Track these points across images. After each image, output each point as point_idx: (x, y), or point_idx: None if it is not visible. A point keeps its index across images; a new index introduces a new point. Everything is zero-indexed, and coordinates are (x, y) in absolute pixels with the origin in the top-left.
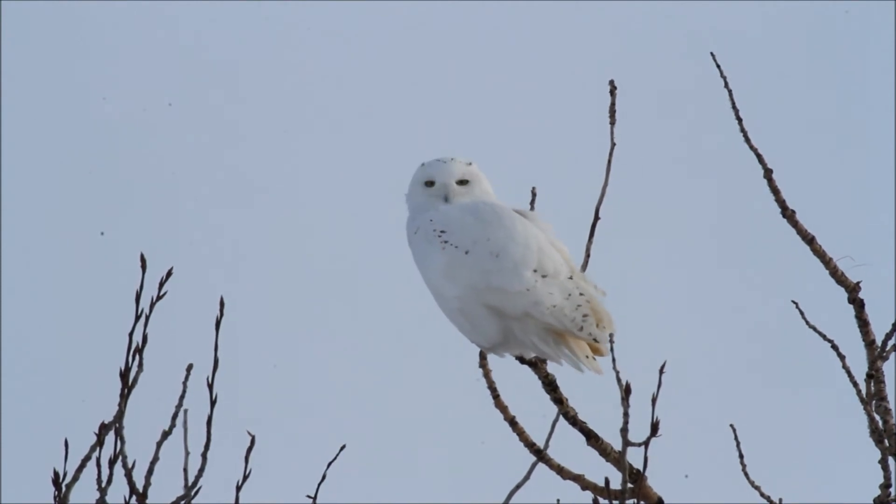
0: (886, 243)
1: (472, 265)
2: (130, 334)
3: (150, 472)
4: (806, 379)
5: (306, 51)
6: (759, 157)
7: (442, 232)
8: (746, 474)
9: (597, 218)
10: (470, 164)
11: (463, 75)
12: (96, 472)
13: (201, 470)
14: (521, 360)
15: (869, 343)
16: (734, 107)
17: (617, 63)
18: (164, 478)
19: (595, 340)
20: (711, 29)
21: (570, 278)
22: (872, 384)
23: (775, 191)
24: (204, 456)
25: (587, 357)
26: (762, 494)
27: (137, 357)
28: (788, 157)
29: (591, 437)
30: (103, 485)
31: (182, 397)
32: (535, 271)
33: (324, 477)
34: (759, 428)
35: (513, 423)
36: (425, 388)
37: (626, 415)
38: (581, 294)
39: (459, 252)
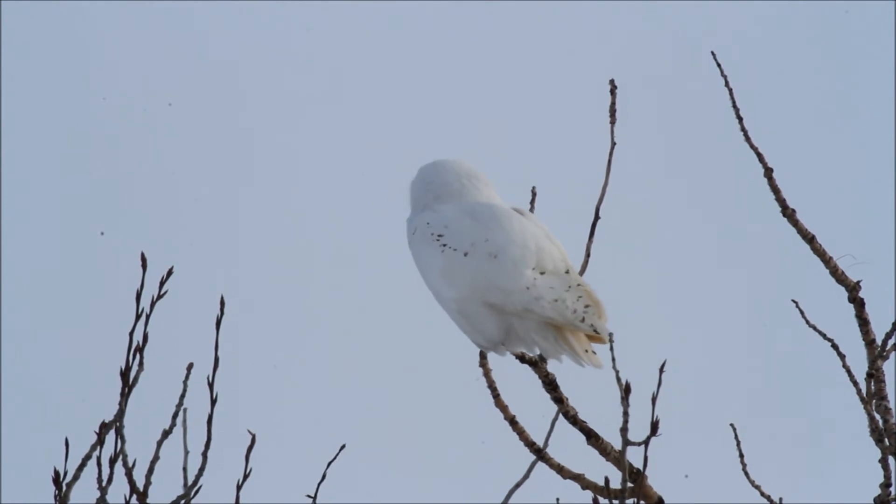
0: (886, 243)
1: (471, 267)
2: (131, 333)
3: (150, 471)
4: (806, 378)
5: (307, 51)
6: (759, 156)
7: (440, 235)
8: (747, 474)
9: (597, 217)
10: (470, 164)
11: (463, 75)
12: (97, 471)
13: (201, 469)
14: (521, 359)
15: (869, 342)
16: (734, 106)
17: (617, 63)
18: (165, 477)
19: (595, 332)
20: (711, 29)
21: (567, 272)
22: (872, 383)
23: (775, 190)
24: (204, 455)
25: (586, 351)
26: (762, 494)
27: (138, 356)
28: (788, 156)
29: (592, 437)
30: (104, 484)
31: (182, 396)
32: (533, 269)
33: (324, 477)
34: (759, 428)
35: (513, 422)
36: (425, 387)
37: (625, 414)
38: (579, 285)
39: (458, 254)
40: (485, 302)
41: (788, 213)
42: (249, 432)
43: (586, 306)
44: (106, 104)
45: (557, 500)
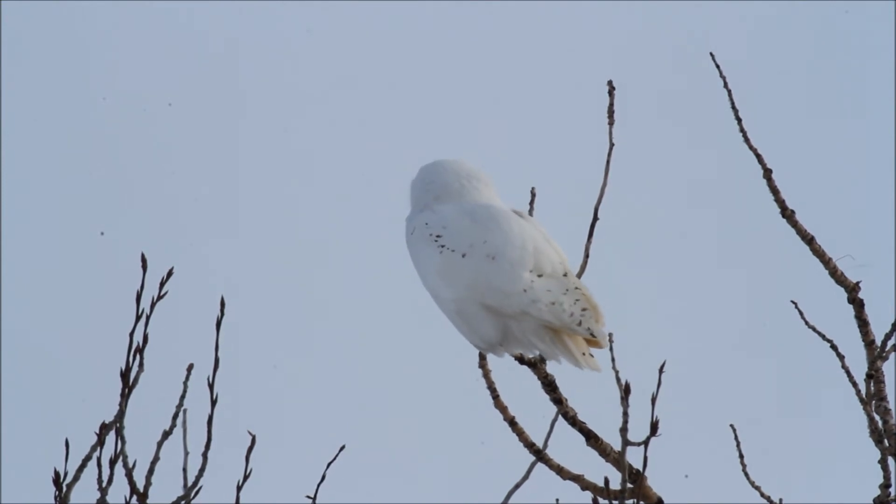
0: (886, 243)
1: (469, 268)
2: (131, 334)
3: (150, 471)
4: (806, 379)
5: (308, 52)
6: (758, 156)
7: (438, 236)
8: (746, 474)
9: (596, 218)
10: (470, 164)
11: (463, 75)
12: (97, 471)
13: (202, 470)
14: (521, 360)
15: (868, 343)
16: (734, 107)
17: (616, 63)
18: (165, 478)
19: (592, 335)
20: (711, 29)
21: (565, 275)
22: (872, 384)
23: (775, 191)
24: (204, 456)
25: (584, 354)
26: (762, 494)
27: (138, 357)
28: (788, 156)
29: (591, 437)
30: (104, 485)
31: (182, 397)
32: (531, 271)
33: (324, 477)
34: (759, 428)
35: (512, 423)
36: (425, 388)
37: (625, 414)
38: (577, 288)
39: (456, 255)
40: (482, 304)
41: (788, 213)
42: (249, 433)
43: (583, 310)
44: (106, 104)
45: (557, 500)
